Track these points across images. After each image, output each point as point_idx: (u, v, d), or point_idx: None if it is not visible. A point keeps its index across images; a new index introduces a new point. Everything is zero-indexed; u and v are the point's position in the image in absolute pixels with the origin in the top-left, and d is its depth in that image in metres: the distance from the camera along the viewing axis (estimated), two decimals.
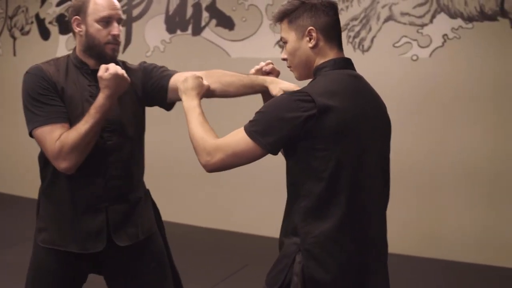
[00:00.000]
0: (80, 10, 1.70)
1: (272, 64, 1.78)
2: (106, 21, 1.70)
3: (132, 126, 1.81)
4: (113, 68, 1.63)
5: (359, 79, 1.49)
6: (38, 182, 1.82)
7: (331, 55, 1.49)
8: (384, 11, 4.40)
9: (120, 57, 6.01)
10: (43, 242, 1.77)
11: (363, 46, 4.44)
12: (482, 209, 4.10)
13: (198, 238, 4.59)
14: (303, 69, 1.53)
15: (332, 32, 1.49)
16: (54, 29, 5.79)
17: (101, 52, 1.72)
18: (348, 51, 4.46)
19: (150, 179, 2.15)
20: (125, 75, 1.67)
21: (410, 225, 4.26)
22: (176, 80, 1.81)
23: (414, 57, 4.26)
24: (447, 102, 4.16)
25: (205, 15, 5.02)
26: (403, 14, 4.33)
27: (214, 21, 4.99)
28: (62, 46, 5.72)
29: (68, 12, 1.77)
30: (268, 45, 4.71)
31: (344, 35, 4.54)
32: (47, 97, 1.66)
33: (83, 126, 1.62)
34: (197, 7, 5.06)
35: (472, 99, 4.15)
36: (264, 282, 1.45)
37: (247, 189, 4.80)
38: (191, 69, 5.42)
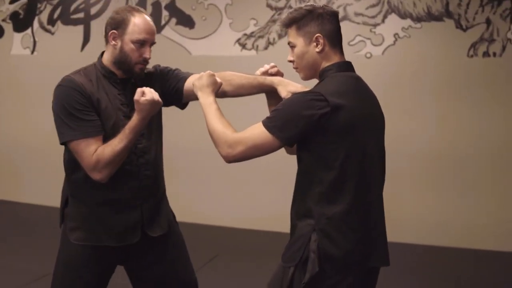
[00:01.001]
0: (119, 26, 1.79)
1: (276, 66, 1.91)
2: (141, 43, 1.80)
3: (156, 128, 1.96)
4: (149, 94, 1.72)
5: (360, 80, 1.68)
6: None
7: (335, 58, 1.67)
8: (339, 11, 4.59)
9: (79, 55, 5.97)
10: (78, 239, 1.85)
11: None
12: (440, 193, 4.37)
13: None
14: (309, 71, 1.70)
15: (336, 38, 1.68)
16: (8, 26, 5.68)
17: (130, 69, 1.83)
18: None
19: None
20: (159, 99, 1.76)
21: None
22: (190, 82, 1.92)
23: (368, 55, 4.49)
24: (399, 96, 4.40)
25: (165, 13, 5.07)
26: (357, 14, 4.54)
27: (174, 20, 5.05)
28: (17, 43, 5.62)
29: (106, 22, 1.85)
30: (228, 43, 4.83)
31: None
32: (83, 112, 1.74)
33: (118, 144, 1.73)
34: (156, 6, 5.10)
35: (422, 92, 4.41)
36: (282, 260, 1.61)
37: (213, 182, 4.90)
38: (151, 66, 5.41)
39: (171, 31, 5.05)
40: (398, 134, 4.33)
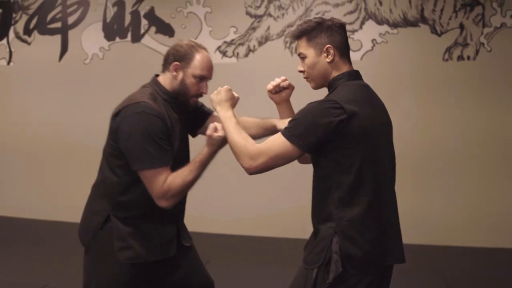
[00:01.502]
0: (183, 59, 1.89)
1: (287, 79, 1.98)
2: (200, 79, 1.90)
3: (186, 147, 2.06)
4: (221, 130, 1.82)
5: (369, 88, 1.76)
6: None
7: (344, 68, 1.75)
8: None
9: (57, 65, 5.92)
10: (129, 259, 1.87)
11: None
12: (422, 191, 4.45)
13: None
14: (320, 80, 1.77)
15: (344, 49, 1.76)
16: None
17: (186, 100, 1.93)
18: (286, 56, 4.70)
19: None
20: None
21: None
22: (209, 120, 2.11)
23: None
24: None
25: (144, 22, 5.07)
26: None
27: (153, 28, 5.05)
28: None
29: (169, 51, 1.95)
30: (209, 51, 4.81)
31: (281, 41, 4.78)
32: (165, 141, 1.81)
33: (188, 175, 1.80)
34: (135, 14, 5.10)
35: (400, 95, 4.51)
36: (304, 263, 1.68)
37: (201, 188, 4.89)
38: (132, 76, 5.41)
39: (151, 40, 5.05)
40: None
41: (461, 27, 4.47)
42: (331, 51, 1.72)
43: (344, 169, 1.62)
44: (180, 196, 1.82)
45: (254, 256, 4.26)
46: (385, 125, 1.75)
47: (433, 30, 4.51)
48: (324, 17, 1.77)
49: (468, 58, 4.48)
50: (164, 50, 5.00)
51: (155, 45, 5.04)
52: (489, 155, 4.45)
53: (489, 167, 4.45)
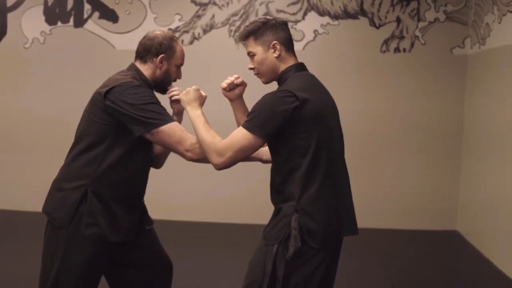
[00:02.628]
0: (167, 51, 2.03)
1: (240, 77, 2.06)
2: (178, 67, 2.09)
3: None
4: (177, 91, 2.12)
5: (314, 77, 1.91)
6: None
7: (291, 61, 1.90)
8: (261, 8, 4.77)
9: None
10: (93, 235, 1.92)
11: None
12: (370, 175, 4.65)
13: None
14: (270, 75, 1.91)
15: (289, 43, 1.91)
16: None
17: (165, 86, 2.09)
18: (230, 44, 4.77)
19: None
20: None
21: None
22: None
23: None
24: None
25: (87, 7, 4.98)
26: (278, 11, 4.73)
27: (97, 14, 4.97)
28: None
29: (149, 44, 2.03)
30: None
31: (225, 29, 4.83)
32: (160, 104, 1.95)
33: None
34: None
35: (341, 85, 4.66)
36: (264, 240, 1.79)
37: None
38: (74, 61, 5.33)
39: (94, 25, 4.97)
40: None
41: (398, 20, 4.70)
42: (278, 47, 1.86)
43: (302, 151, 1.76)
44: (203, 152, 1.88)
45: (198, 241, 4.34)
46: (333, 109, 1.91)
47: (372, 23, 4.71)
48: (268, 17, 1.92)
49: (404, 50, 4.71)
50: (108, 36, 5.01)
51: (99, 30, 4.96)
52: (429, 142, 4.72)
53: (431, 153, 4.72)
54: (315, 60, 4.64)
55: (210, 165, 1.83)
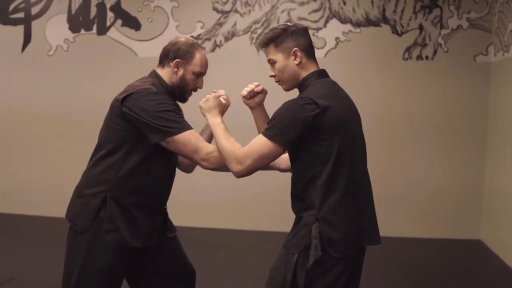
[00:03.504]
0: (184, 56, 2.01)
1: (260, 85, 2.05)
2: (198, 75, 2.04)
3: None
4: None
5: (336, 84, 1.88)
6: None
7: (312, 68, 1.87)
8: (283, 16, 4.77)
9: (20, 56, 5.82)
10: (114, 241, 1.92)
11: None
12: None
13: None
14: (291, 82, 1.89)
15: (310, 50, 1.88)
16: None
17: (183, 94, 2.05)
18: (252, 52, 4.78)
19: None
20: None
21: None
22: None
23: None
24: None
25: (110, 15, 5.05)
26: (300, 18, 4.73)
27: (119, 21, 5.04)
28: None
29: (168, 48, 2.03)
30: None
31: (247, 37, 4.85)
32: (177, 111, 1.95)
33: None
34: (101, 7, 5.07)
35: (362, 92, 4.62)
36: (285, 248, 1.78)
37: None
38: (98, 68, 5.40)
39: (117, 33, 5.04)
40: None
41: (420, 28, 4.65)
42: (298, 54, 1.84)
43: (323, 158, 1.73)
44: (220, 161, 1.87)
45: (215, 247, 4.33)
46: (355, 117, 1.88)
47: (394, 30, 4.68)
48: (288, 23, 1.90)
49: (427, 57, 4.66)
50: (130, 43, 5.07)
51: (121, 38, 5.03)
52: (451, 149, 4.66)
53: (454, 160, 4.66)
54: (336, 68, 4.62)
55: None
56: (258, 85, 2.04)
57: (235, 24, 4.87)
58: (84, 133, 4.66)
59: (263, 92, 2.05)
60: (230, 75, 4.72)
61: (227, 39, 4.88)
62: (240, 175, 1.76)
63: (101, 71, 5.02)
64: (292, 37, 1.85)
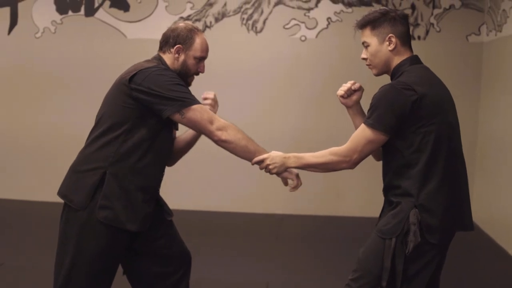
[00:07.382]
0: (185, 42, 2.02)
1: (357, 82, 2.03)
2: (199, 59, 2.06)
3: None
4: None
5: (429, 69, 1.89)
6: None
7: (406, 54, 1.87)
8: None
9: (6, 38, 5.71)
10: (106, 219, 1.89)
11: (256, 28, 4.70)
12: None
13: None
14: (382, 67, 1.90)
15: (406, 38, 1.88)
16: None
17: (186, 79, 2.05)
18: (242, 32, 4.72)
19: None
20: None
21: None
22: None
23: (303, 38, 4.61)
24: (334, 76, 4.57)
25: None
26: None
27: (108, 2, 4.94)
28: None
29: (168, 34, 2.04)
30: (164, 26, 4.63)
31: (237, 17, 4.78)
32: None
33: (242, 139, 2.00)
34: None
35: (355, 73, 4.59)
36: (379, 233, 1.80)
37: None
38: (86, 50, 5.29)
39: (105, 14, 4.95)
40: (338, 111, 4.52)
41: (413, 7, 4.61)
42: (393, 40, 1.84)
43: (420, 147, 1.75)
44: (236, 133, 1.92)
45: (210, 231, 4.33)
46: (451, 103, 1.88)
47: None
48: (389, 8, 1.91)
49: (419, 37, 4.63)
50: (119, 25, 4.99)
51: (110, 19, 4.93)
52: None
53: None
54: (328, 48, 4.59)
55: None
56: (354, 83, 2.03)
57: (225, 4, 4.79)
58: (75, 116, 4.60)
59: (360, 89, 2.03)
60: (221, 57, 4.66)
61: (217, 19, 4.80)
62: (353, 167, 1.83)
63: (89, 52, 4.94)
64: (390, 23, 1.85)
